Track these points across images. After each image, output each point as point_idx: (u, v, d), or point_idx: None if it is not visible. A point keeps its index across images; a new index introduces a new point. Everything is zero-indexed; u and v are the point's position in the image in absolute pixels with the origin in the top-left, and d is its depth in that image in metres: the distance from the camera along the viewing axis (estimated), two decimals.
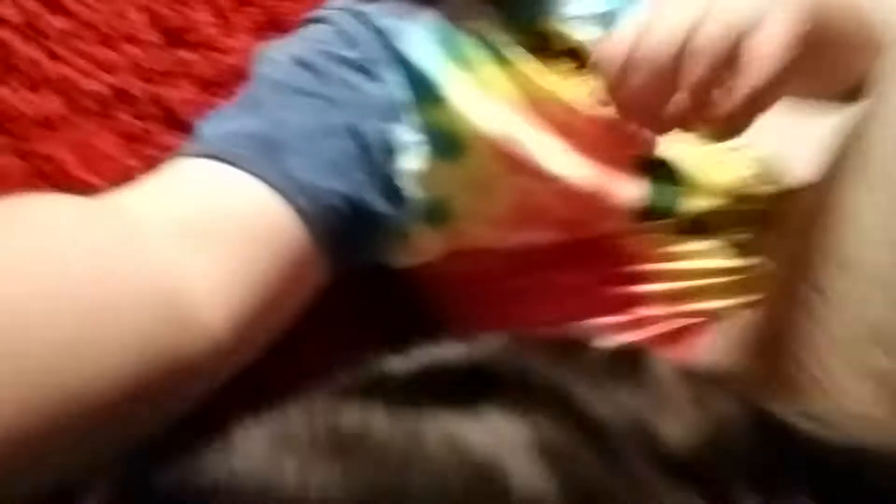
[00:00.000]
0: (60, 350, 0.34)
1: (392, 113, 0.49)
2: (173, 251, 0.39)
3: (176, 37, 0.51)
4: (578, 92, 0.51)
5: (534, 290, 0.54)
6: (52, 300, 0.34)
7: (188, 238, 0.40)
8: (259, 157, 0.44)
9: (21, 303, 0.33)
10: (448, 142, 0.50)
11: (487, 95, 0.51)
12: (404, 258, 0.52)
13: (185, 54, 0.51)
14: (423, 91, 0.50)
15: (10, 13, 0.45)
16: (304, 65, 0.49)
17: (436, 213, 0.51)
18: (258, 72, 0.50)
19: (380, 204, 0.48)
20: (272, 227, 0.43)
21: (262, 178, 0.43)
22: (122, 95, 0.48)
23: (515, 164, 0.51)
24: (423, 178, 0.50)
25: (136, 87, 0.48)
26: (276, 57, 0.51)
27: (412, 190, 0.50)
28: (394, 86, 0.50)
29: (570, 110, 0.51)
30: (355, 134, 0.47)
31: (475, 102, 0.50)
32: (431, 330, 0.57)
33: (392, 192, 0.49)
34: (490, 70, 0.51)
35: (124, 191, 0.42)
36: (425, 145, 0.50)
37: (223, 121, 0.47)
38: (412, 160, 0.50)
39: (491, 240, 0.53)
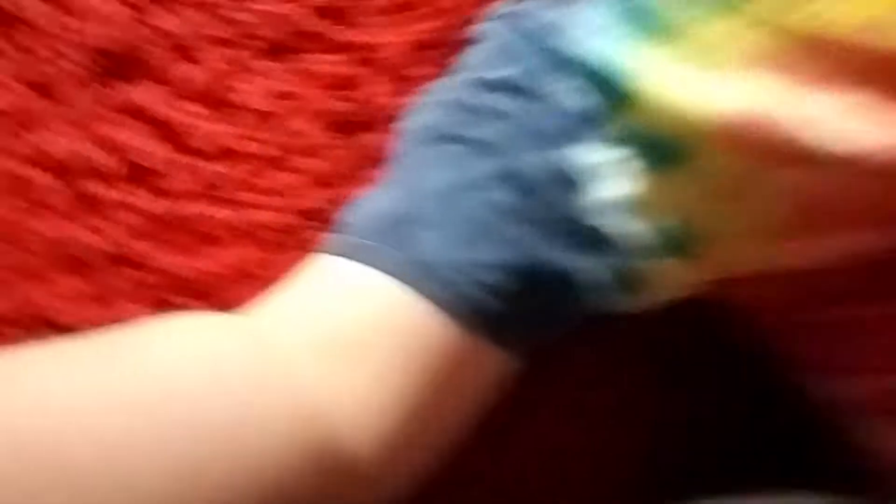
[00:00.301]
0: (176, 484, 0.33)
1: (566, 134, 0.40)
2: (307, 372, 0.37)
3: (351, 125, 0.47)
4: (871, 8, 0.36)
5: (853, 325, 0.40)
6: (170, 428, 0.34)
7: (323, 356, 0.37)
8: (388, 245, 0.39)
9: (141, 435, 0.33)
10: (663, 147, 0.39)
11: (710, 66, 0.38)
12: (641, 301, 0.42)
13: (363, 138, 0.46)
14: (610, 91, 0.39)
15: (186, 184, 0.44)
16: (449, 104, 0.42)
17: (670, 242, 0.40)
18: (406, 126, 0.44)
19: (562, 256, 0.39)
20: (410, 329, 0.38)
21: (390, 273, 0.38)
22: (308, 215, 0.45)
23: (773, 152, 0.37)
24: (638, 203, 0.39)
25: (322, 199, 0.45)
26: (425, 102, 0.44)
27: (622, 223, 0.40)
28: (566, 97, 0.40)
29: (858, 44, 0.36)
30: (512, 178, 0.39)
31: (690, 83, 0.38)
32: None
33: (582, 234, 0.39)
34: (712, 27, 0.38)
35: (257, 304, 0.40)
36: (631, 160, 0.39)
37: (364, 201, 0.43)
38: (613, 185, 0.39)
39: (769, 258, 0.40)
